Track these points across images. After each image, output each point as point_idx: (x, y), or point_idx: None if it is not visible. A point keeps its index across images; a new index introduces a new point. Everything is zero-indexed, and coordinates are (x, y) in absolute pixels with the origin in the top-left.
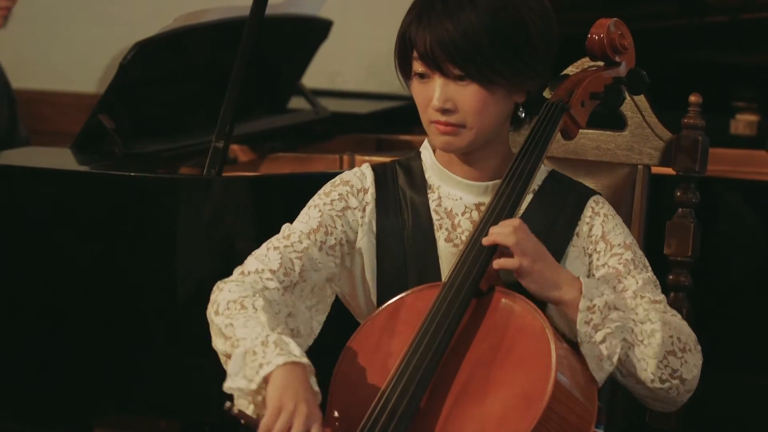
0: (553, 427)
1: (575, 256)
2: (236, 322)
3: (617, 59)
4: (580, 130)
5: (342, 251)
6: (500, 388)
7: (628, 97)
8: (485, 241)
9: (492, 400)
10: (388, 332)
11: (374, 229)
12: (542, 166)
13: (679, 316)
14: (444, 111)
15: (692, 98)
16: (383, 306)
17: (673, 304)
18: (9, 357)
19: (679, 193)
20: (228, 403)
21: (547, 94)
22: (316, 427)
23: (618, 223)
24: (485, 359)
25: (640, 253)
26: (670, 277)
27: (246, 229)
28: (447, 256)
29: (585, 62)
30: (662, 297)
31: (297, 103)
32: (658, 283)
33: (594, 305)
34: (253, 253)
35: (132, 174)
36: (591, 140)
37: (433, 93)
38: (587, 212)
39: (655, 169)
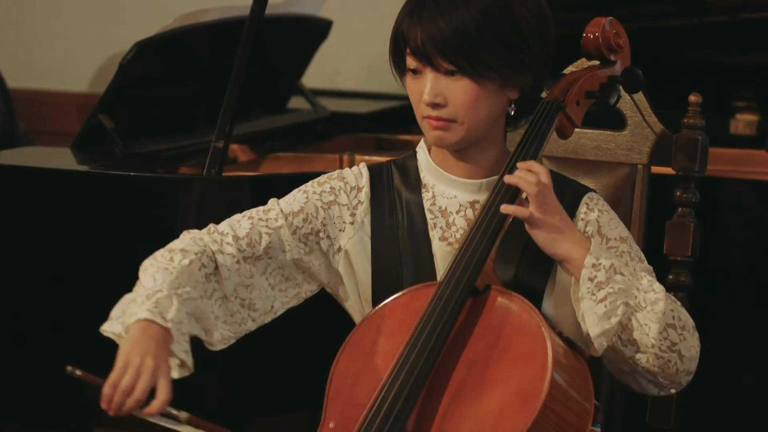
0: (550, 425)
1: None
2: (152, 269)
3: (612, 58)
4: (579, 130)
5: (318, 244)
6: (496, 386)
7: (627, 97)
8: (507, 179)
9: (488, 399)
10: (385, 332)
11: (368, 228)
12: None
13: (678, 302)
14: (435, 105)
15: (692, 98)
16: (379, 306)
17: None
18: (8, 356)
19: (678, 193)
20: (69, 367)
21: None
22: (163, 382)
23: (613, 218)
24: (481, 358)
25: (636, 246)
26: (670, 276)
27: None
28: (442, 254)
29: (584, 62)
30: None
31: (297, 102)
32: (654, 274)
33: (600, 263)
34: (232, 216)
35: (132, 174)
36: (591, 140)
37: (424, 88)
38: (582, 209)
39: (655, 169)
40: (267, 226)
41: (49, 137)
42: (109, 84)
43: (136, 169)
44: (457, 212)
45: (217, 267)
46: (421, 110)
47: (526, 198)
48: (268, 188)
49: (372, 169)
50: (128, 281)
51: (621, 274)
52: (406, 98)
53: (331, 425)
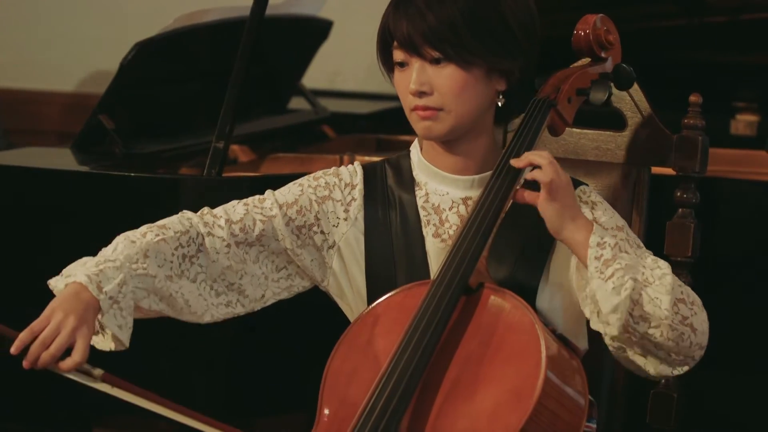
0: (544, 422)
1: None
2: (120, 239)
3: (603, 55)
4: (579, 130)
5: (311, 238)
6: (490, 384)
7: (627, 98)
8: (514, 162)
9: (482, 397)
10: (378, 331)
11: (361, 225)
12: None
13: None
14: (421, 94)
15: (692, 98)
16: (373, 304)
17: None
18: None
19: (679, 193)
20: None
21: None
22: (80, 342)
23: (607, 208)
24: (475, 356)
25: (633, 234)
26: None
27: None
28: (435, 251)
29: (584, 63)
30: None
31: (297, 103)
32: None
33: (605, 242)
34: (229, 202)
35: (132, 174)
36: (591, 140)
37: (411, 79)
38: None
39: (655, 169)
40: (262, 214)
41: (49, 137)
42: (110, 84)
43: (137, 169)
44: (450, 209)
45: (201, 250)
46: (408, 102)
47: (524, 185)
48: (268, 188)
49: (366, 167)
50: None
51: (626, 252)
52: None
53: (326, 418)
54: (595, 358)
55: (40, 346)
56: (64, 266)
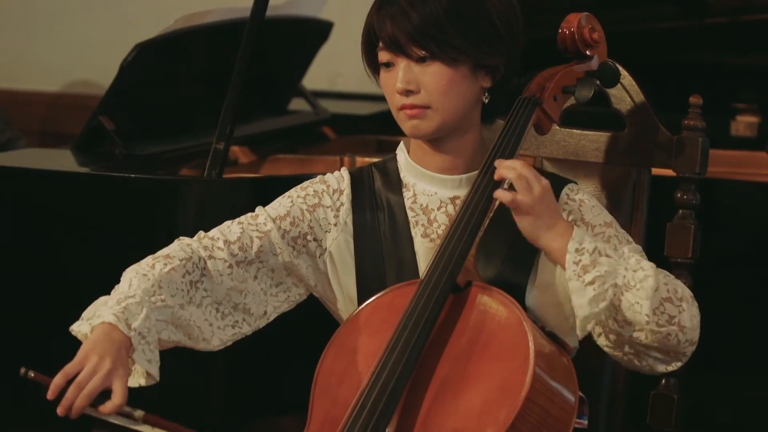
0: (534, 418)
1: None
2: (131, 274)
3: (588, 53)
4: (579, 131)
5: (307, 247)
6: (479, 381)
7: (627, 99)
8: (496, 175)
9: (472, 394)
10: (368, 331)
11: (350, 228)
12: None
13: (671, 276)
14: (407, 92)
15: (692, 99)
16: (362, 305)
17: None
18: (8, 357)
19: (679, 195)
20: (23, 369)
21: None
22: (118, 384)
23: (595, 205)
24: (464, 354)
25: (622, 230)
26: None
27: None
28: (424, 251)
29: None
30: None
31: (297, 104)
32: (643, 253)
33: (583, 248)
34: (223, 223)
35: (132, 175)
36: (591, 141)
37: (397, 79)
38: (563, 199)
39: (656, 171)
40: (257, 230)
41: (49, 139)
42: (110, 85)
43: (137, 170)
44: (438, 209)
45: (204, 274)
46: (395, 101)
47: (510, 186)
48: (268, 190)
49: (353, 172)
50: None
51: (606, 255)
52: None
53: (317, 419)
54: (595, 358)
55: (76, 389)
56: (64, 267)
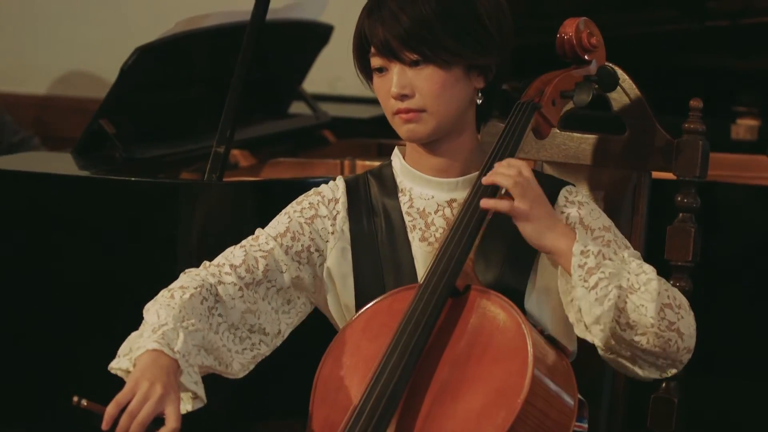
0: (533, 421)
1: None
2: (154, 307)
3: (587, 57)
4: (580, 135)
5: (310, 258)
6: (478, 385)
7: (628, 102)
8: (486, 180)
9: (471, 398)
10: (367, 336)
11: (347, 236)
12: None
13: (669, 284)
14: (402, 97)
15: (693, 103)
16: (361, 310)
17: None
18: (8, 359)
19: (679, 198)
20: (76, 398)
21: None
22: (171, 410)
23: (594, 209)
24: (463, 357)
25: (620, 234)
26: (671, 282)
27: (247, 234)
28: (422, 255)
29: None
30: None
31: (298, 108)
32: (641, 258)
33: (588, 250)
34: (226, 249)
35: (132, 179)
36: (591, 145)
37: (391, 84)
38: (561, 201)
39: (656, 174)
40: (260, 250)
41: (50, 142)
42: (110, 89)
43: (137, 174)
44: (436, 212)
45: (217, 300)
46: (390, 106)
47: (506, 192)
48: (269, 193)
49: (348, 180)
50: (129, 285)
51: (610, 259)
52: None
53: (317, 423)
54: (595, 362)
55: (129, 417)
56: (65, 271)
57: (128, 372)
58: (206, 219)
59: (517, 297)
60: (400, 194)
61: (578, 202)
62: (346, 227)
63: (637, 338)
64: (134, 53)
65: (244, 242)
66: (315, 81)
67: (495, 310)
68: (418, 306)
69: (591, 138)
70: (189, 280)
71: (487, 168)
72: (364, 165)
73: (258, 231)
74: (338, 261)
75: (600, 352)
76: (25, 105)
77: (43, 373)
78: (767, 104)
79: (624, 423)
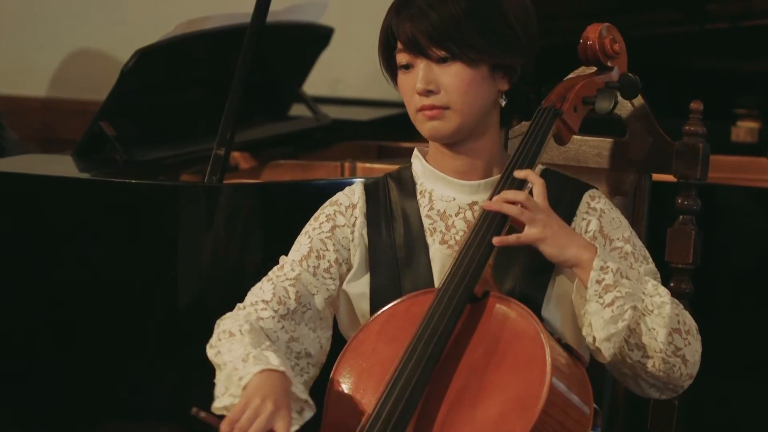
0: (549, 430)
1: None
2: (223, 348)
3: (609, 64)
4: (580, 137)
5: (339, 271)
6: (495, 392)
7: (628, 104)
8: (487, 206)
9: (488, 405)
10: (383, 339)
11: (366, 242)
12: (538, 167)
13: (681, 305)
14: (427, 92)
15: (693, 105)
16: (378, 313)
17: None
18: (9, 362)
19: (679, 200)
20: (195, 409)
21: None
22: (281, 425)
23: (615, 217)
24: (480, 364)
25: (640, 244)
26: (671, 284)
27: (247, 236)
28: (442, 258)
29: (585, 71)
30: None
31: (298, 110)
32: (658, 275)
33: (608, 266)
34: (251, 289)
35: (133, 181)
36: (592, 147)
37: (416, 80)
38: (582, 207)
39: (656, 176)
40: (287, 279)
41: (50, 144)
42: (111, 91)
43: (137, 176)
44: (456, 214)
45: (265, 334)
46: (414, 102)
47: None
48: (269, 196)
49: (367, 185)
50: (129, 287)
51: (627, 277)
52: None
53: (330, 425)
54: (596, 364)
55: None
56: (64, 273)
57: (228, 409)
58: (206, 221)
59: (534, 304)
60: (419, 196)
61: (600, 209)
62: (365, 232)
63: (643, 360)
64: (134, 55)
65: (270, 275)
66: (315, 83)
67: (513, 317)
68: (436, 311)
69: (591, 140)
70: (233, 320)
71: (508, 174)
72: (364, 167)
73: (281, 259)
74: (358, 266)
75: (606, 364)
76: (26, 107)
77: (42, 376)
78: (767, 107)
79: (624, 425)
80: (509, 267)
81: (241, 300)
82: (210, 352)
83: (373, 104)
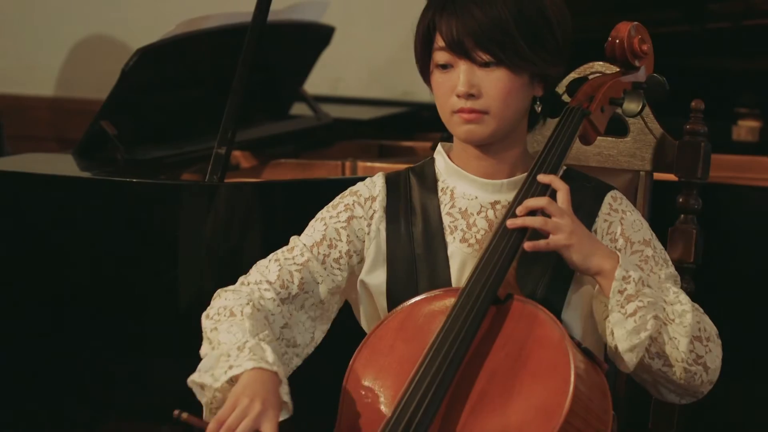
0: None
1: None
2: (221, 326)
3: (637, 64)
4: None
5: (350, 263)
6: (517, 399)
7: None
8: (511, 223)
9: (509, 412)
10: (402, 336)
11: (384, 235)
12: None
13: (701, 310)
14: (469, 96)
15: (694, 104)
16: (397, 309)
17: None
18: (10, 362)
19: (681, 200)
20: (177, 411)
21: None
22: (267, 426)
23: (636, 219)
24: (502, 369)
25: (660, 247)
26: None
27: (248, 235)
28: (461, 256)
29: (589, 67)
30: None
31: (299, 109)
32: (678, 279)
33: (629, 276)
34: (257, 263)
35: (134, 180)
36: (593, 146)
37: (456, 81)
38: (604, 209)
39: (657, 175)
40: (295, 263)
41: (51, 143)
42: (112, 90)
43: (138, 175)
44: (478, 213)
45: (265, 314)
46: (452, 104)
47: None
48: (270, 195)
49: (389, 178)
50: (129, 287)
51: (649, 286)
52: (408, 104)
53: (346, 422)
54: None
55: None
56: (66, 272)
57: (202, 387)
58: (207, 220)
59: (555, 307)
60: (440, 193)
61: (622, 211)
62: (383, 226)
63: (664, 369)
64: (135, 54)
65: (279, 254)
66: (316, 82)
67: (537, 322)
68: (460, 313)
69: None
70: (236, 297)
71: (533, 177)
72: (365, 166)
73: (293, 240)
74: (373, 259)
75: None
76: (28, 107)
77: (43, 377)
78: None
79: (625, 424)
80: (531, 269)
81: None
82: (206, 323)
83: (374, 103)
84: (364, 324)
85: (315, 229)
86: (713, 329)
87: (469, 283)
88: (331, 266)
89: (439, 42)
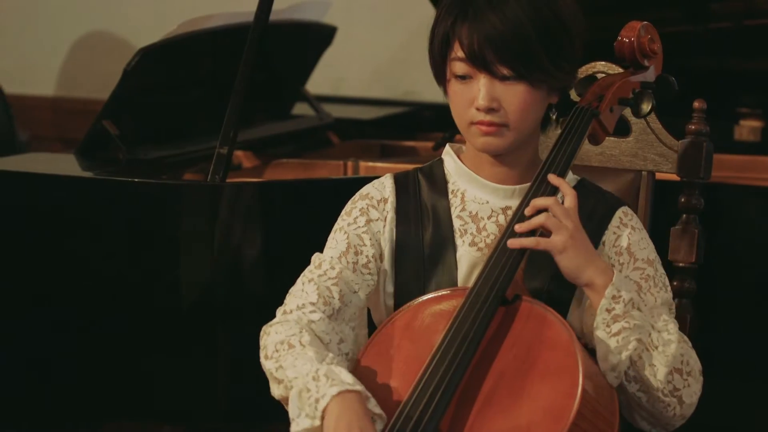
0: None
1: None
2: (285, 362)
3: (646, 63)
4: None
5: (377, 265)
6: (525, 400)
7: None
8: (518, 227)
9: (517, 413)
10: (409, 335)
11: (394, 236)
12: (572, 174)
13: (690, 343)
14: (489, 110)
15: (696, 104)
16: (404, 308)
17: (677, 310)
18: (10, 362)
19: (683, 199)
20: None
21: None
22: None
23: (644, 237)
24: (510, 370)
25: (662, 271)
26: (675, 283)
27: (250, 235)
28: (470, 260)
29: (591, 67)
30: (675, 322)
31: (301, 109)
32: (674, 306)
33: (620, 296)
34: (290, 291)
35: (136, 180)
36: (595, 146)
37: (475, 93)
38: (615, 221)
39: (659, 175)
40: (329, 278)
41: (53, 143)
42: (114, 90)
43: (140, 175)
44: (489, 218)
45: (319, 338)
46: (470, 115)
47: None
48: (272, 194)
49: (397, 178)
50: (130, 287)
51: (638, 309)
52: (410, 104)
53: None
54: None
55: None
56: (68, 272)
57: (311, 428)
58: (209, 220)
59: (562, 307)
60: (451, 195)
61: (631, 226)
62: (394, 227)
63: (639, 394)
64: (137, 54)
65: (309, 275)
66: (318, 82)
67: (545, 324)
68: (468, 314)
69: None
70: (287, 329)
71: (542, 177)
72: (367, 166)
73: (315, 257)
74: (385, 259)
75: None
76: (30, 106)
77: (45, 377)
78: None
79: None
80: (539, 268)
81: (246, 301)
82: (268, 365)
83: (376, 103)
84: (376, 322)
85: (337, 240)
86: (697, 365)
87: (478, 284)
88: (362, 272)
89: (458, 52)
